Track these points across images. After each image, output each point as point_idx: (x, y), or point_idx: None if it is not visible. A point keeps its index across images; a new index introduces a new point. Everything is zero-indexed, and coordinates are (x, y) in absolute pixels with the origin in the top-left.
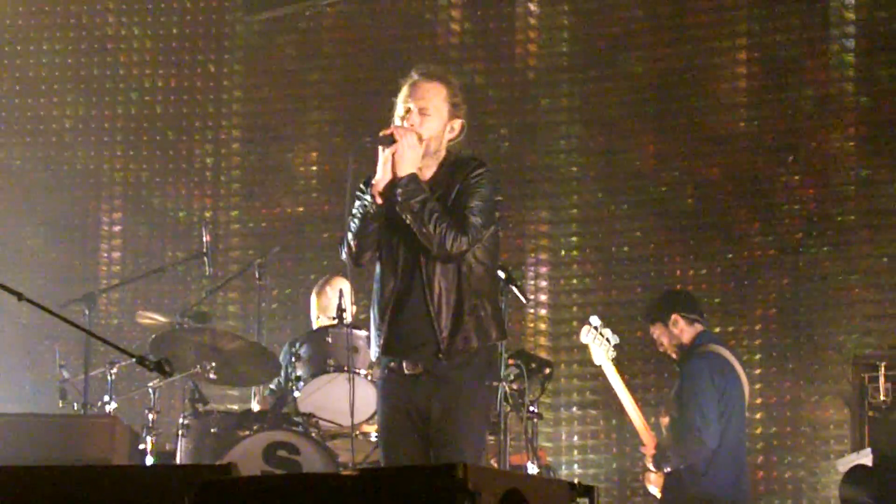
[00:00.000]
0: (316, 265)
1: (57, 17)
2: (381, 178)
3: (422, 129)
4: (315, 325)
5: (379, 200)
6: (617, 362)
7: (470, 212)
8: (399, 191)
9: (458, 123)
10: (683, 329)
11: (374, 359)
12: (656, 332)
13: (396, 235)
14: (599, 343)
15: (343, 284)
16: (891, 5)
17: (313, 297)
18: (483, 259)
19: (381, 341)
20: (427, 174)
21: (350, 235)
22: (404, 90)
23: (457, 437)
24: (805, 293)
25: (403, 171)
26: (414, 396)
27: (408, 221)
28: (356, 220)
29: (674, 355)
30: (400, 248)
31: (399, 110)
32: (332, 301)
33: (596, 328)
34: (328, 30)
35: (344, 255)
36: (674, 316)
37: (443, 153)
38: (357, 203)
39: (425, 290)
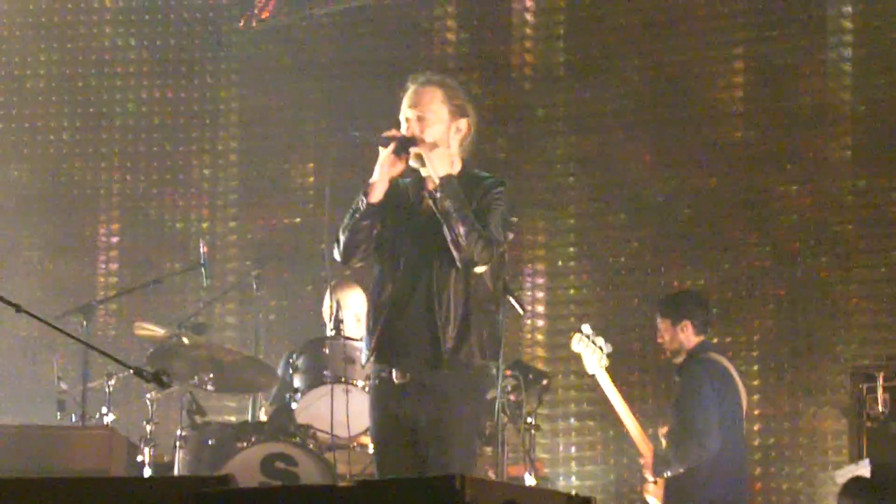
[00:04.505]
0: (313, 276)
1: (53, 28)
2: (377, 178)
3: (424, 136)
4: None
5: (372, 199)
6: (611, 371)
7: (493, 228)
8: (439, 192)
9: (463, 122)
10: (690, 336)
11: (363, 362)
12: (663, 325)
13: (399, 240)
14: (592, 351)
15: (342, 294)
16: (888, 14)
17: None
18: (490, 277)
19: (374, 344)
20: None
21: (339, 231)
22: (404, 101)
23: (443, 446)
24: (802, 303)
25: (440, 172)
26: (403, 406)
27: (441, 217)
28: (347, 217)
29: (668, 353)
30: (402, 253)
31: (402, 124)
32: (329, 311)
33: (588, 336)
34: (324, 40)
35: (336, 254)
36: (685, 321)
37: (459, 162)
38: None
39: (433, 298)
